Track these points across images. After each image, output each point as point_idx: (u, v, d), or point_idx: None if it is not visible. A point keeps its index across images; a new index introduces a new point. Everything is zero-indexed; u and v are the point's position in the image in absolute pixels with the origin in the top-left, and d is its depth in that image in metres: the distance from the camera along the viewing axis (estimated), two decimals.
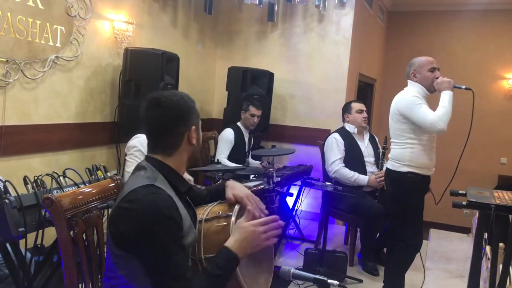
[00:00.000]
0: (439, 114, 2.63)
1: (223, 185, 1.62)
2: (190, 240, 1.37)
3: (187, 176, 2.81)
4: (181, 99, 1.42)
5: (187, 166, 1.50)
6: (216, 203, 1.59)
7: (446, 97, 2.69)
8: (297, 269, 1.37)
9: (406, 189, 2.78)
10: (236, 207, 1.49)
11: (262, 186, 2.97)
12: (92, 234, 1.70)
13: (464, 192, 2.02)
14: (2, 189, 1.68)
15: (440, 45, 6.27)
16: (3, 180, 1.71)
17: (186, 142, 1.42)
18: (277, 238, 1.41)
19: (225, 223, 1.44)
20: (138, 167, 1.42)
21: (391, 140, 2.93)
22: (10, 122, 2.85)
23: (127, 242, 1.27)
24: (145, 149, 2.87)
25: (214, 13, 4.76)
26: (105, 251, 1.79)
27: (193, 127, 1.43)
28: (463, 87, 2.77)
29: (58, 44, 3.11)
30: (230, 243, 1.33)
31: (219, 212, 1.49)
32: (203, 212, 1.53)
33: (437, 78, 2.78)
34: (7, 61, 2.76)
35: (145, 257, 1.27)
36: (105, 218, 1.84)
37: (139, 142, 2.88)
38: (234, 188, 1.56)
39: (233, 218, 1.44)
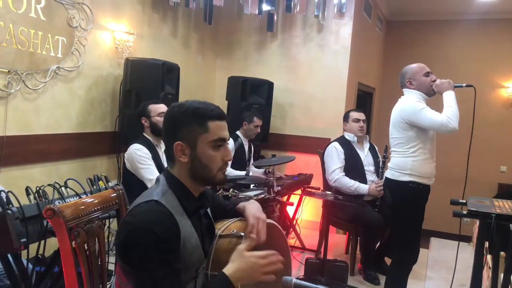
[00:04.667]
0: (448, 114, 2.61)
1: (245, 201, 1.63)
2: (195, 259, 1.36)
3: None
4: (176, 111, 1.37)
5: (200, 184, 1.42)
6: (236, 219, 1.59)
7: (450, 97, 2.68)
8: (298, 279, 1.38)
9: (406, 199, 2.76)
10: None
11: (263, 195, 2.98)
12: (94, 245, 1.70)
13: (465, 201, 2.02)
14: (5, 200, 1.68)
15: (438, 55, 6.31)
16: (6, 191, 1.72)
17: (177, 157, 1.36)
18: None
19: (236, 243, 1.43)
20: (156, 180, 1.43)
21: (392, 149, 2.92)
22: (12, 133, 2.86)
23: (123, 255, 1.28)
24: (146, 154, 2.91)
25: (214, 23, 4.80)
26: (107, 261, 1.80)
27: (178, 142, 1.33)
28: (464, 85, 2.76)
29: (59, 55, 3.13)
30: (229, 270, 1.29)
31: (234, 230, 1.49)
32: (220, 227, 1.53)
33: (433, 81, 2.79)
34: (9, 71, 2.78)
35: (133, 273, 1.27)
36: (106, 228, 1.84)
37: (138, 153, 2.92)
38: (248, 208, 1.55)
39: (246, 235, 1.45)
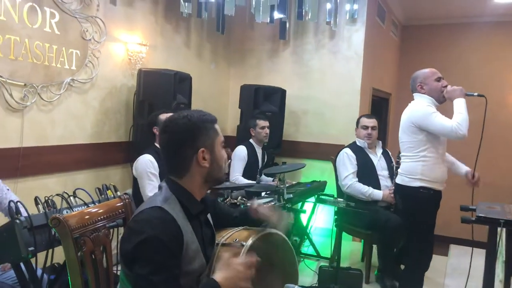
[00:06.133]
0: (458, 120, 2.58)
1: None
2: (197, 265, 1.38)
3: None
4: (188, 121, 1.39)
5: (209, 186, 1.48)
6: (241, 228, 1.60)
7: (460, 104, 2.64)
8: (310, 287, 1.37)
9: (417, 205, 2.72)
10: (250, 241, 1.49)
11: (273, 203, 2.97)
12: (100, 253, 1.73)
13: (475, 207, 1.98)
14: (14, 210, 1.73)
15: (455, 58, 6.21)
16: (15, 201, 1.77)
17: (196, 164, 1.39)
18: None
19: (237, 252, 1.45)
20: (158, 187, 1.47)
21: (402, 154, 2.89)
22: (28, 144, 2.94)
23: (126, 260, 1.30)
24: (154, 169, 2.93)
25: (226, 32, 4.84)
26: (114, 270, 1.83)
27: (202, 149, 1.38)
28: (476, 94, 2.72)
29: (73, 67, 3.21)
30: (219, 278, 1.32)
31: (236, 239, 1.50)
32: (224, 235, 1.55)
33: (445, 86, 2.75)
34: (25, 85, 2.87)
35: (134, 278, 1.29)
36: (114, 236, 1.87)
37: (146, 165, 2.93)
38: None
39: (247, 244, 1.45)
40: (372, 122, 3.74)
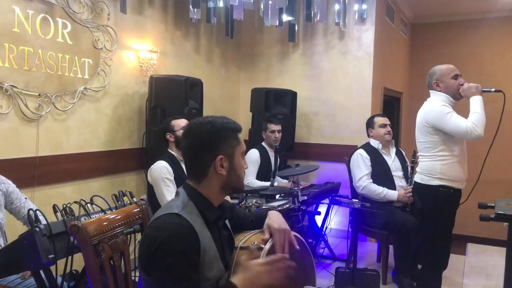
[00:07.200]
0: (473, 120, 2.54)
1: (266, 213, 1.62)
2: (216, 271, 1.37)
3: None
4: (211, 127, 1.39)
5: (226, 194, 1.48)
6: (258, 231, 1.59)
7: (476, 103, 2.60)
8: None
9: (437, 204, 2.68)
10: (268, 244, 1.47)
11: (287, 205, 2.96)
12: (119, 259, 1.74)
13: (493, 204, 1.95)
14: (33, 218, 1.75)
15: (467, 54, 6.14)
16: (34, 209, 1.79)
17: (214, 171, 1.39)
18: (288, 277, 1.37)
19: (256, 255, 1.43)
20: (176, 193, 1.47)
21: (419, 153, 2.85)
22: (44, 153, 2.98)
23: (144, 267, 1.31)
24: (169, 174, 2.94)
25: (235, 37, 4.86)
26: (132, 275, 1.84)
27: (220, 156, 1.38)
28: (493, 90, 2.67)
29: (86, 76, 3.25)
30: (237, 281, 1.32)
31: (254, 242, 1.49)
32: (241, 239, 1.54)
33: (461, 84, 2.71)
34: (39, 95, 2.91)
35: (153, 285, 1.30)
36: (134, 242, 1.88)
37: (161, 171, 2.93)
38: (271, 219, 1.54)
39: (266, 248, 1.44)
40: (387, 120, 3.78)
